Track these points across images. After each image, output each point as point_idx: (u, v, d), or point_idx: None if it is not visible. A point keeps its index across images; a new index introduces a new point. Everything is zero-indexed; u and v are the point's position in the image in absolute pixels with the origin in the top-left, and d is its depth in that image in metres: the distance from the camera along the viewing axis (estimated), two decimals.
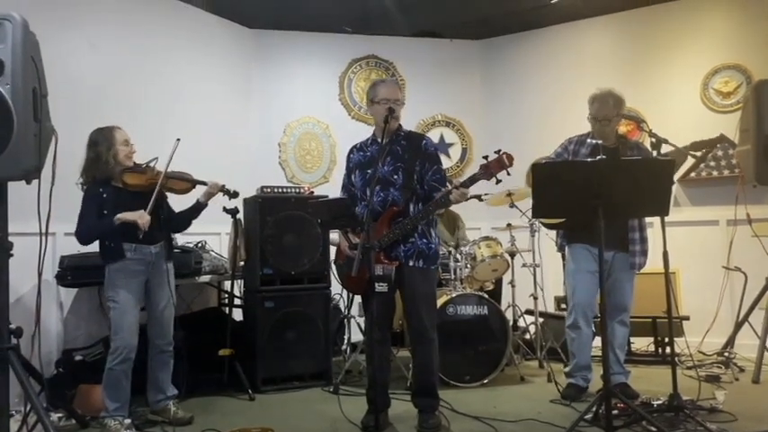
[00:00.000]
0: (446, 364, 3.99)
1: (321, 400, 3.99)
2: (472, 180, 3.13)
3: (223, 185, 3.72)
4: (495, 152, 3.08)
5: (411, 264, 3.25)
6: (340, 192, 3.57)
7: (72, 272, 3.85)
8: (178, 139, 3.50)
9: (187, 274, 4.15)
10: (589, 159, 3.63)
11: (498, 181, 3.10)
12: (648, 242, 3.75)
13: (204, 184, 3.67)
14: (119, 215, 3.29)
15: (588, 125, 3.81)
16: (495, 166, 3.07)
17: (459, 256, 4.51)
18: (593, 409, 3.09)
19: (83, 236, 3.34)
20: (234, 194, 3.84)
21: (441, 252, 4.55)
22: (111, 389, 3.31)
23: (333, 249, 3.89)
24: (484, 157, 3.12)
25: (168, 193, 3.64)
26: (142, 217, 3.28)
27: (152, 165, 3.53)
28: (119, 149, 3.40)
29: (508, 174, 3.09)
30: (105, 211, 3.33)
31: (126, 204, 3.34)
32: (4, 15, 2.31)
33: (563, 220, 3.83)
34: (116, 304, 3.34)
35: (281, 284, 4.36)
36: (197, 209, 3.69)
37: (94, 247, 3.52)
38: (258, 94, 6.04)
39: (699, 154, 4.93)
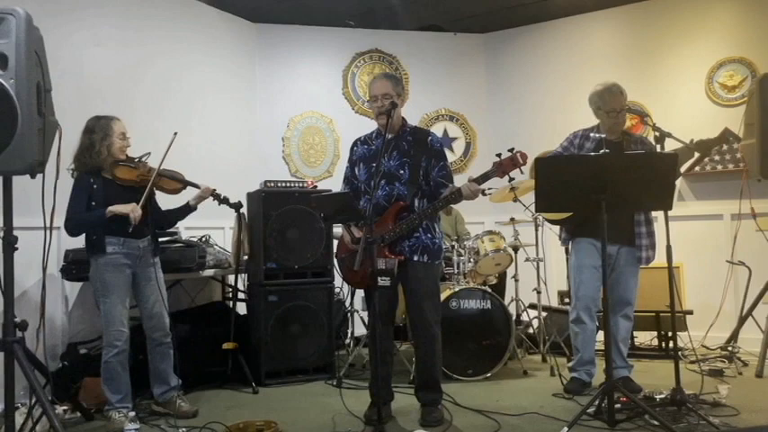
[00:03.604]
0: (449, 358, 4.00)
1: (324, 394, 4.00)
2: (485, 177, 3.14)
3: (214, 190, 3.71)
4: (509, 150, 3.09)
5: (416, 258, 3.26)
6: (342, 184, 3.57)
7: (77, 266, 3.86)
8: (175, 133, 3.47)
9: (191, 268, 4.16)
10: (592, 153, 3.63)
11: (511, 179, 3.12)
12: (656, 236, 3.75)
13: (196, 186, 3.65)
14: (111, 207, 3.27)
15: (593, 119, 3.80)
16: (509, 164, 3.09)
17: (462, 251, 4.51)
18: (596, 402, 3.10)
19: (72, 227, 3.31)
20: (224, 200, 3.83)
21: (444, 247, 4.57)
22: (110, 381, 3.33)
23: (336, 243, 3.90)
24: (497, 155, 3.12)
25: (158, 192, 3.60)
26: (134, 210, 3.27)
27: (144, 160, 3.49)
28: (114, 141, 3.38)
29: (521, 172, 3.10)
30: (93, 203, 3.31)
31: (115, 198, 3.32)
32: (8, 10, 2.32)
33: (566, 216, 3.83)
34: (106, 298, 3.33)
35: (285, 278, 4.38)
36: (185, 211, 3.68)
37: None
38: (261, 88, 6.04)
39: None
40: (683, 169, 3.79)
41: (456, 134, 6.54)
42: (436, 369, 3.35)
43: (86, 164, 3.35)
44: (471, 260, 4.52)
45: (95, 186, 3.34)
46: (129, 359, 3.40)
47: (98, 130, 3.36)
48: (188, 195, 3.71)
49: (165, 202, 3.75)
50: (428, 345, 3.31)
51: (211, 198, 3.73)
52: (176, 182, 3.59)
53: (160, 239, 3.77)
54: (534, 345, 4.93)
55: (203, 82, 5.41)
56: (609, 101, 3.68)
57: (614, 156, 3.46)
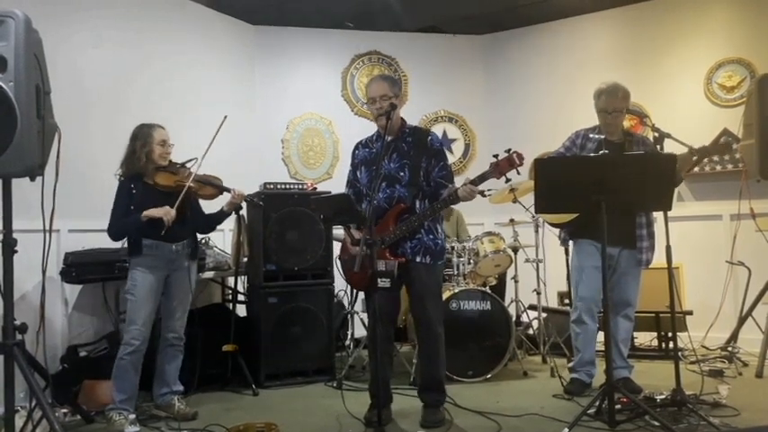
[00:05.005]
0: (449, 360, 3.95)
1: (324, 396, 4.00)
2: (482, 178, 3.12)
3: (247, 195, 3.80)
4: (506, 151, 3.08)
5: (418, 260, 3.25)
6: (345, 188, 3.56)
7: (76, 268, 3.88)
8: (225, 117, 3.55)
9: None
10: (592, 155, 3.63)
11: (508, 180, 3.11)
12: (655, 238, 3.75)
13: (230, 191, 3.70)
14: (145, 211, 3.37)
15: (594, 119, 3.80)
16: (505, 164, 3.07)
17: (461, 252, 4.51)
18: (597, 403, 3.10)
19: (113, 232, 3.44)
20: (257, 205, 3.93)
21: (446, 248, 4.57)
22: (119, 380, 3.36)
23: (336, 245, 3.90)
24: (494, 156, 3.11)
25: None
26: (168, 213, 3.36)
27: (187, 165, 3.58)
28: (153, 148, 3.50)
29: (518, 173, 3.10)
30: (132, 207, 3.42)
31: (153, 203, 3.41)
32: (7, 13, 2.32)
33: (567, 219, 3.83)
34: (133, 297, 3.41)
35: (285, 280, 4.37)
36: (220, 216, 3.75)
37: (99, 243, 3.55)
38: (261, 90, 6.04)
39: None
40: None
41: (455, 135, 6.55)
42: (440, 370, 3.35)
43: (131, 170, 3.50)
44: (471, 261, 4.51)
45: (135, 192, 3.45)
46: None
47: (140, 137, 3.50)
48: (225, 200, 3.74)
49: (206, 207, 3.81)
50: (432, 345, 3.31)
51: (244, 202, 3.79)
52: (211, 187, 3.66)
53: None
54: (534, 346, 4.92)
55: (202, 84, 5.40)
56: (603, 100, 3.69)
57: (613, 156, 3.47)
